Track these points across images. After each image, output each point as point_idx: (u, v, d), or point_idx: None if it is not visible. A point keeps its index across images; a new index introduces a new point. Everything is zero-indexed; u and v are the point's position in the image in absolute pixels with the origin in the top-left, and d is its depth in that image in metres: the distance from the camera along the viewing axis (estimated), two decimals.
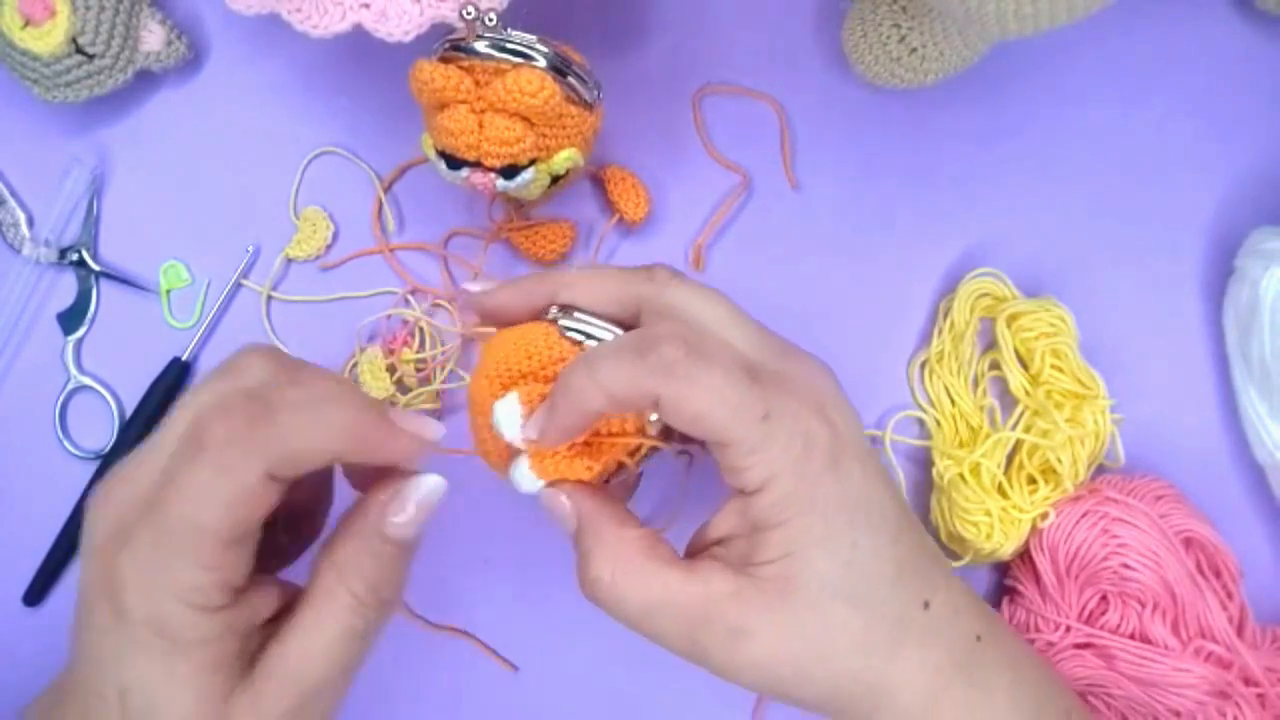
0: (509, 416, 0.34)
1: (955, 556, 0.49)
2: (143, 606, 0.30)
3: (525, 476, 0.34)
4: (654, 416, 0.34)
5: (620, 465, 0.36)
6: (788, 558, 0.32)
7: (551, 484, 0.34)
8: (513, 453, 0.35)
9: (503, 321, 0.37)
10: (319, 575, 0.33)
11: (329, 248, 0.52)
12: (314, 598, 0.32)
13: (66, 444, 0.51)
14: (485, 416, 0.35)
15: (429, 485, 0.34)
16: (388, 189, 0.52)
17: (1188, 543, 0.46)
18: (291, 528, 0.36)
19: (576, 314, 0.35)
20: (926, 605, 0.34)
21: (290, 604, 0.33)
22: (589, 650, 0.49)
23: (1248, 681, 0.44)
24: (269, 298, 0.51)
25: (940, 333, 0.50)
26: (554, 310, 0.36)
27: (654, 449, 0.36)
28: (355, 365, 0.50)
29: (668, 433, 0.36)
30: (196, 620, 0.30)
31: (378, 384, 0.49)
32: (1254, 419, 0.48)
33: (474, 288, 0.37)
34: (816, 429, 0.32)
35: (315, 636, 0.32)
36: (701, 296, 0.35)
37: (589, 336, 0.35)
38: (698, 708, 0.49)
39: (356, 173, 0.52)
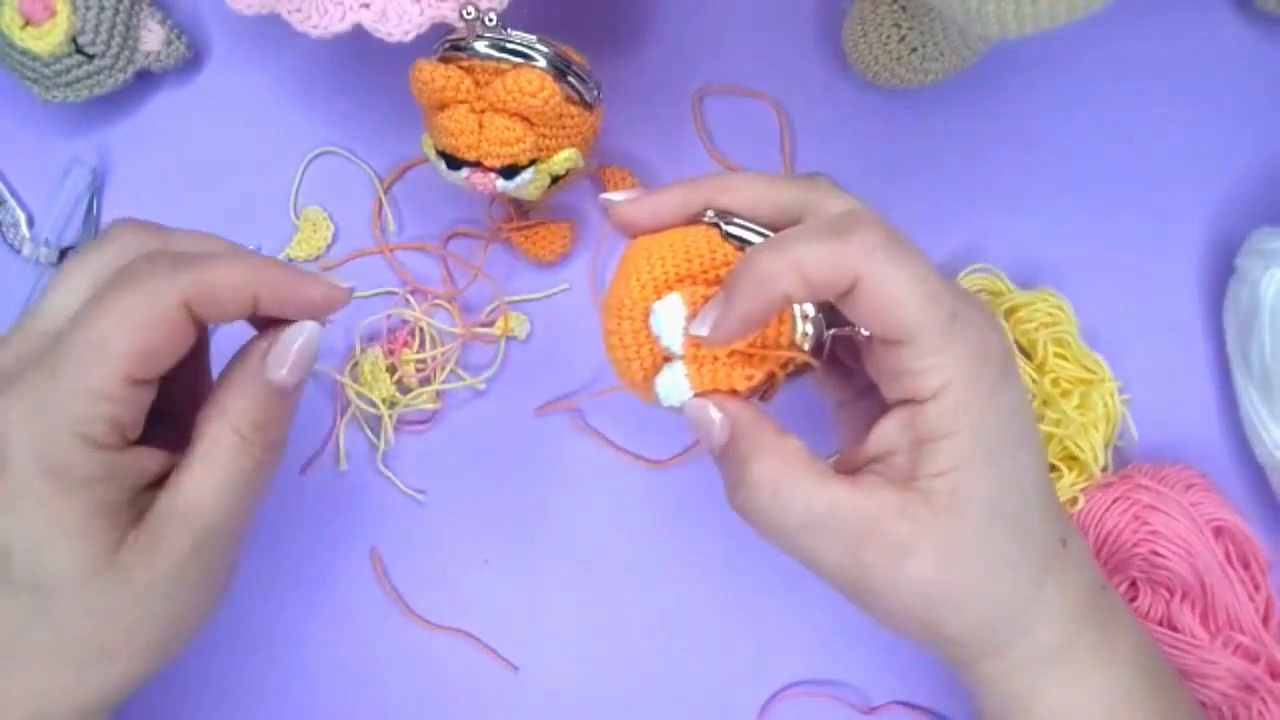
0: (673, 317, 0.32)
1: None
2: (30, 442, 0.29)
3: (677, 384, 0.32)
4: (808, 329, 0.33)
5: (766, 384, 0.34)
6: (956, 471, 0.31)
7: (699, 395, 0.33)
8: (661, 363, 0.33)
9: (651, 229, 0.34)
10: (204, 423, 0.32)
11: (329, 247, 0.52)
12: (200, 443, 0.32)
13: None
14: (634, 321, 0.33)
15: (308, 331, 0.33)
16: (387, 189, 0.52)
17: (1218, 532, 0.46)
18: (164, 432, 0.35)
19: (736, 220, 0.34)
20: (1064, 543, 0.33)
21: (173, 467, 0.33)
22: (589, 650, 0.49)
23: (1275, 675, 0.44)
24: None
25: None
26: (710, 214, 0.34)
27: (806, 365, 0.34)
28: (355, 365, 0.50)
29: (815, 353, 0.34)
30: (87, 456, 0.30)
31: (379, 384, 0.49)
32: (1254, 419, 0.48)
33: (616, 197, 0.34)
34: (994, 341, 0.32)
35: (205, 478, 0.32)
36: (862, 208, 0.34)
37: (754, 241, 0.33)
38: (698, 707, 0.49)
39: (356, 173, 0.52)
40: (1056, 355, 0.48)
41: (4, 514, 0.30)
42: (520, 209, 0.51)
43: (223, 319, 0.32)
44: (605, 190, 0.51)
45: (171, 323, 0.30)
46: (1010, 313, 0.49)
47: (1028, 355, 0.49)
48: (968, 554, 0.31)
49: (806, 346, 0.33)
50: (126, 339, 0.30)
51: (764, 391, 0.35)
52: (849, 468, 0.33)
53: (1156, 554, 0.45)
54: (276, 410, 0.33)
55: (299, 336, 0.33)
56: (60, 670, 0.31)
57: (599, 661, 0.49)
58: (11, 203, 0.52)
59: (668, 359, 0.33)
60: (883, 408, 0.33)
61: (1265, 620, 0.46)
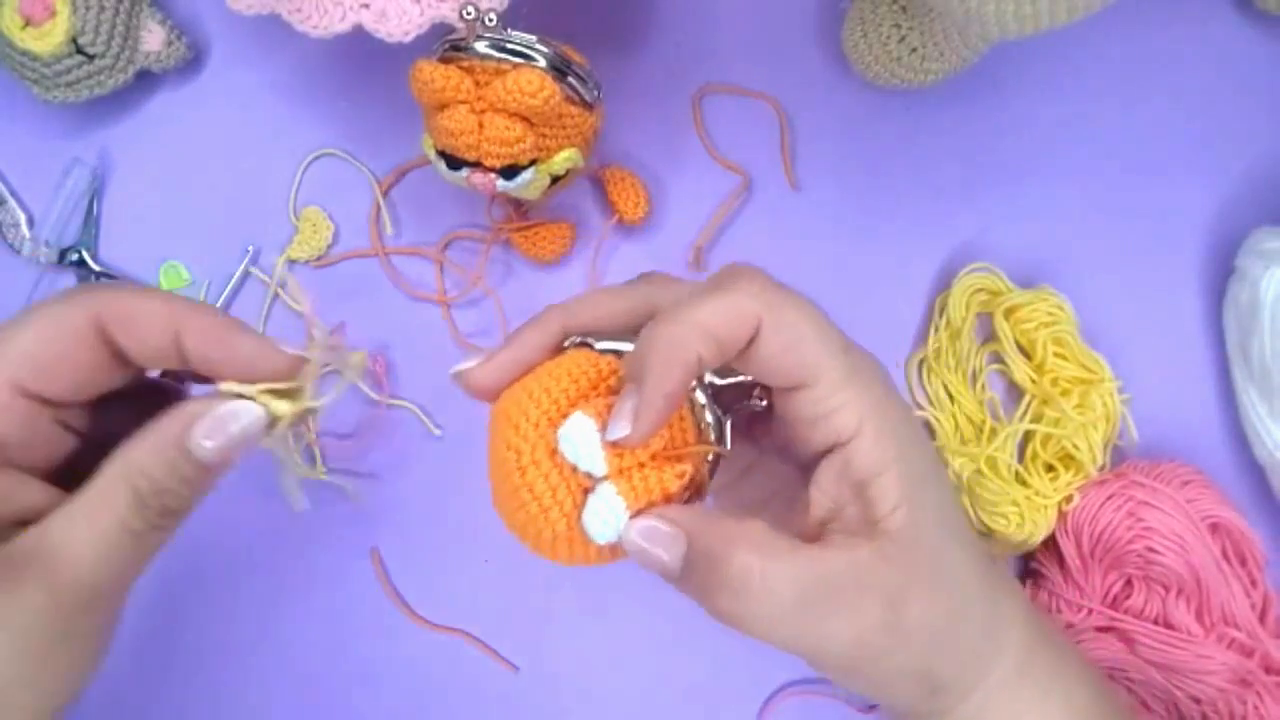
0: (585, 433, 0.29)
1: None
2: None
3: (610, 509, 0.29)
4: (708, 419, 0.31)
5: (692, 488, 0.31)
6: (906, 501, 0.29)
7: (636, 515, 0.29)
8: (583, 497, 0.29)
9: (512, 382, 0.32)
10: (103, 468, 0.29)
11: (330, 248, 0.52)
12: (89, 489, 0.29)
13: None
14: (539, 465, 0.29)
15: (249, 417, 0.30)
16: (386, 192, 0.52)
17: (1214, 528, 0.46)
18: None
19: (600, 340, 0.32)
20: (992, 557, 0.33)
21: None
22: (589, 650, 0.49)
23: (1269, 670, 0.44)
24: (275, 295, 0.51)
25: (936, 330, 0.50)
26: (573, 339, 0.32)
27: (719, 458, 0.32)
28: None
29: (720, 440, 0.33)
30: None
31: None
32: (1254, 419, 0.48)
33: (466, 365, 0.31)
34: (881, 367, 0.31)
35: (83, 527, 0.28)
36: (741, 264, 0.33)
37: (626, 349, 0.31)
38: (698, 707, 0.49)
39: (356, 173, 0.52)
40: (1056, 355, 0.49)
41: None
42: (520, 209, 0.51)
43: (143, 353, 0.30)
44: (605, 190, 0.51)
45: (76, 337, 0.28)
46: (1010, 312, 0.49)
47: (1027, 355, 0.49)
48: (944, 581, 0.30)
49: (712, 437, 0.31)
50: (22, 344, 0.28)
51: (693, 495, 0.32)
52: (807, 537, 0.31)
53: (1151, 550, 0.45)
54: (184, 484, 0.29)
55: (239, 419, 0.30)
56: None
57: (599, 661, 0.49)
58: (11, 203, 0.52)
59: (588, 490, 0.29)
60: (772, 476, 0.32)
61: (1262, 616, 0.46)
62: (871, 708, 0.49)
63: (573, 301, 0.32)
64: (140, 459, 0.29)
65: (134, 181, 0.52)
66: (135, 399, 0.32)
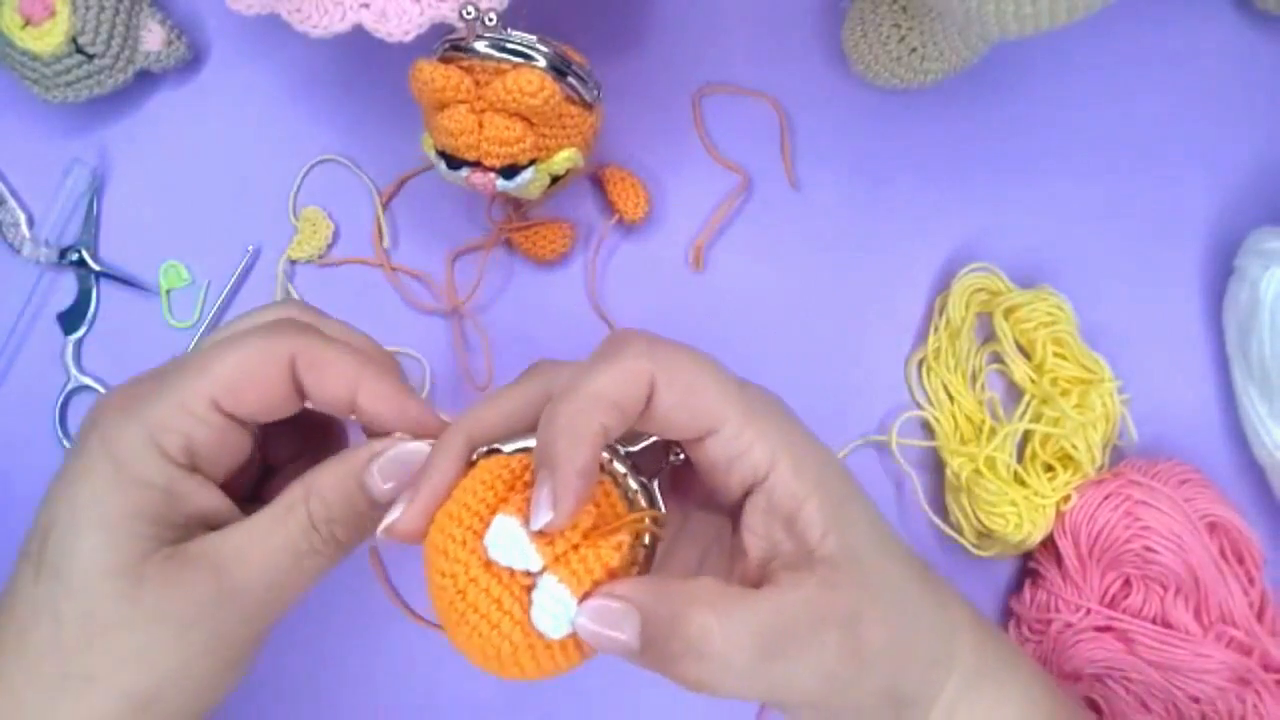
0: (510, 533, 0.28)
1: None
2: (107, 431, 0.30)
3: (557, 600, 0.28)
4: (634, 486, 0.31)
5: (634, 559, 0.31)
6: (836, 526, 0.30)
7: (585, 598, 0.28)
8: (528, 593, 0.29)
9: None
10: (288, 491, 0.32)
11: (330, 247, 0.52)
12: (272, 506, 0.31)
13: (66, 444, 0.51)
14: (478, 582, 0.29)
15: (418, 451, 0.32)
16: (387, 203, 0.52)
17: (1211, 527, 0.46)
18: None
19: (505, 443, 0.31)
20: (926, 565, 0.33)
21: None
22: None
23: (1268, 668, 0.44)
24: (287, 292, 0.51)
25: (936, 330, 0.50)
26: (479, 451, 0.31)
27: (654, 522, 0.31)
28: None
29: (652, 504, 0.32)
30: (148, 459, 0.30)
31: None
32: (1254, 419, 0.48)
33: (390, 519, 0.30)
34: (777, 398, 0.32)
35: (257, 538, 0.31)
36: (620, 330, 0.34)
37: (533, 446, 0.30)
38: (698, 707, 0.49)
39: (359, 169, 0.52)
40: (1056, 355, 0.49)
41: (62, 490, 0.30)
42: (520, 209, 0.51)
43: (322, 398, 0.32)
44: (605, 190, 0.51)
45: (272, 370, 0.31)
46: (1009, 312, 0.49)
47: (1027, 355, 0.49)
48: (891, 598, 0.30)
49: (643, 502, 0.31)
50: (226, 367, 0.31)
51: (642, 569, 0.31)
52: (748, 584, 0.31)
53: (1149, 550, 0.45)
54: (358, 514, 0.32)
55: (415, 459, 0.31)
56: (36, 680, 0.29)
57: (599, 662, 0.49)
58: (11, 203, 0.52)
59: (531, 588, 0.28)
60: (704, 530, 0.33)
61: (1260, 614, 0.46)
62: None
63: (470, 412, 0.32)
64: (321, 486, 0.31)
65: (134, 181, 0.52)
66: (299, 424, 0.35)
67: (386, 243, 0.51)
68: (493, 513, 0.29)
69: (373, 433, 0.33)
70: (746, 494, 0.31)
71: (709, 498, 0.33)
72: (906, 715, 0.31)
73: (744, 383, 0.31)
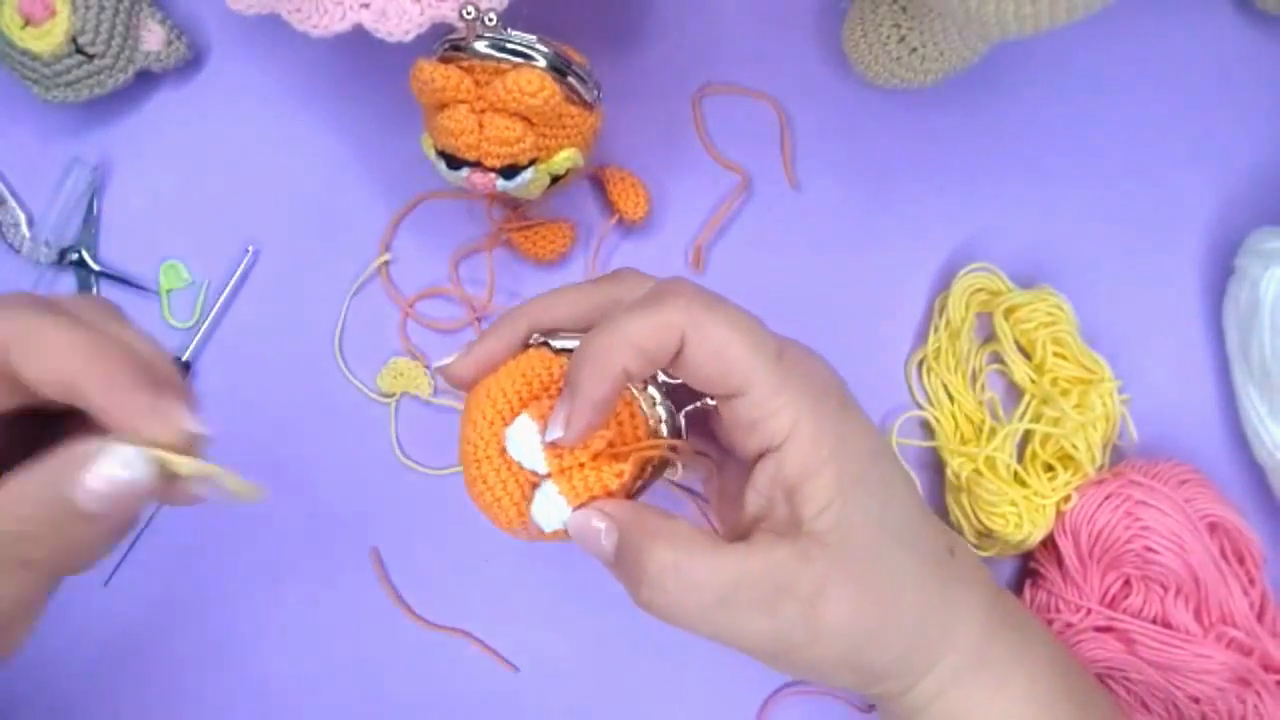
0: (527, 435, 0.32)
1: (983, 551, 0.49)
2: None
3: (553, 505, 0.32)
4: (661, 414, 0.33)
5: (639, 478, 0.34)
6: (835, 503, 0.30)
7: (579, 508, 0.32)
8: (532, 488, 0.32)
9: (485, 376, 0.34)
10: None
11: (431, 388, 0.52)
12: None
13: None
14: (492, 460, 0.33)
15: (140, 466, 0.27)
16: (398, 222, 0.52)
17: (1212, 528, 0.46)
18: None
19: (560, 333, 0.34)
20: (952, 551, 0.34)
21: None
22: (589, 650, 0.49)
23: (1268, 668, 0.44)
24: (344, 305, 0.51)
25: (936, 330, 0.50)
26: (536, 338, 0.34)
27: (671, 450, 0.34)
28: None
29: (673, 435, 0.35)
30: None
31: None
32: (1254, 419, 0.48)
33: (445, 361, 0.34)
34: (824, 370, 0.32)
35: None
36: (678, 278, 0.34)
37: None
38: (698, 707, 0.49)
39: (358, 170, 0.52)
40: (1056, 355, 0.48)
41: None
42: (520, 209, 0.51)
43: (39, 382, 0.28)
44: (605, 190, 0.51)
45: None
46: (1010, 312, 0.49)
47: (1027, 355, 0.49)
48: (874, 580, 0.31)
49: (664, 431, 0.33)
50: None
51: (638, 488, 0.34)
52: (736, 535, 0.33)
53: (1149, 550, 0.45)
54: (63, 533, 0.27)
55: (128, 468, 0.27)
56: None
57: (599, 661, 0.49)
58: (11, 203, 0.52)
59: (535, 484, 0.32)
60: (748, 472, 0.33)
61: (1260, 614, 0.46)
62: (871, 708, 0.49)
63: (539, 299, 0.34)
64: (11, 497, 0.27)
65: (134, 181, 0.52)
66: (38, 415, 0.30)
67: (387, 257, 0.51)
68: (523, 405, 0.33)
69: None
70: (761, 455, 0.32)
71: (732, 445, 0.34)
72: (883, 686, 0.33)
73: (785, 347, 0.32)
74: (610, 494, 0.32)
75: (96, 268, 0.51)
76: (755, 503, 0.32)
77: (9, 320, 0.27)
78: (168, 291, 0.52)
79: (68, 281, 0.52)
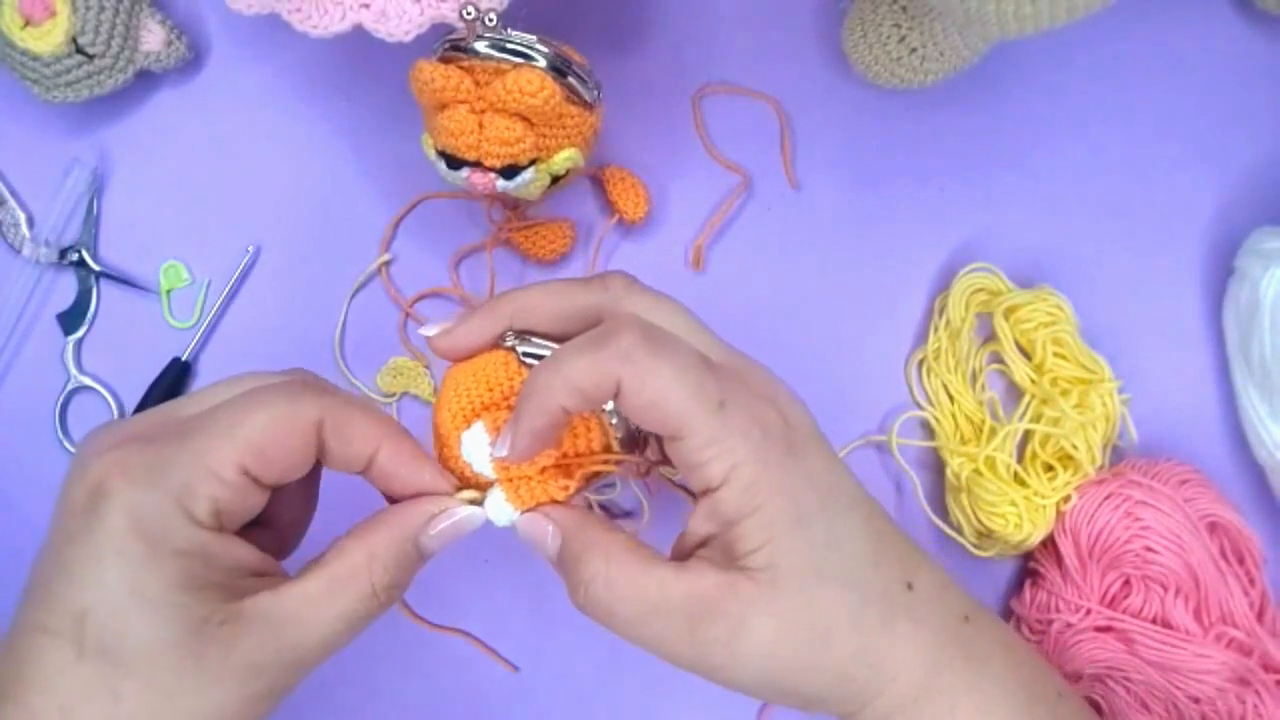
0: (478, 446, 0.34)
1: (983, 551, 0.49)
2: (130, 502, 0.29)
3: (501, 508, 0.34)
4: (616, 430, 0.35)
5: (585, 488, 0.36)
6: (769, 544, 0.32)
7: (527, 511, 0.34)
8: (485, 487, 0.35)
9: (464, 356, 0.36)
10: (347, 553, 0.32)
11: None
12: (335, 571, 0.32)
13: (66, 444, 0.51)
14: (452, 449, 0.35)
15: (477, 521, 0.34)
16: (398, 223, 0.52)
17: (1212, 527, 0.46)
18: (269, 540, 0.35)
19: (534, 339, 0.35)
20: (910, 586, 0.34)
21: (268, 575, 0.32)
22: (589, 650, 0.49)
23: (1268, 668, 0.44)
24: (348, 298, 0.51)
25: (936, 330, 0.50)
26: (510, 337, 0.35)
27: (619, 463, 0.36)
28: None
29: (631, 450, 0.36)
30: (182, 527, 0.29)
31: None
32: (1254, 419, 0.48)
33: (430, 331, 0.36)
34: (772, 417, 0.33)
35: (321, 605, 0.31)
36: (657, 303, 0.35)
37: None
38: (699, 708, 0.49)
39: (359, 169, 0.52)
40: (1056, 355, 0.48)
41: (88, 573, 0.29)
42: (519, 209, 0.51)
43: (343, 458, 0.33)
44: (605, 190, 0.51)
45: (301, 434, 0.31)
46: (1010, 312, 0.49)
47: (1027, 355, 0.49)
48: (801, 618, 0.32)
49: (616, 446, 0.35)
50: (255, 430, 0.31)
51: (592, 490, 0.37)
52: (681, 554, 0.34)
53: (1149, 550, 0.45)
54: (408, 575, 0.33)
55: (471, 524, 0.34)
56: None
57: (599, 661, 0.49)
58: (11, 203, 0.52)
59: (489, 484, 0.34)
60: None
61: (1260, 614, 0.46)
62: None
63: (524, 292, 0.36)
64: (382, 550, 0.32)
65: (134, 181, 0.52)
66: None
67: (387, 257, 0.51)
68: (484, 409, 0.35)
69: (386, 491, 0.35)
70: (703, 492, 0.33)
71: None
72: (818, 708, 0.34)
73: (726, 396, 0.32)
74: (556, 504, 0.34)
75: (96, 268, 0.51)
76: (696, 529, 0.33)
77: (327, 406, 0.32)
78: (168, 291, 0.52)
79: (68, 281, 0.52)
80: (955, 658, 0.33)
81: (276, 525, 0.35)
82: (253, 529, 0.33)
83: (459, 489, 0.34)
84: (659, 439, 0.35)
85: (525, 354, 0.35)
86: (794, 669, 0.32)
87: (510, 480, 0.34)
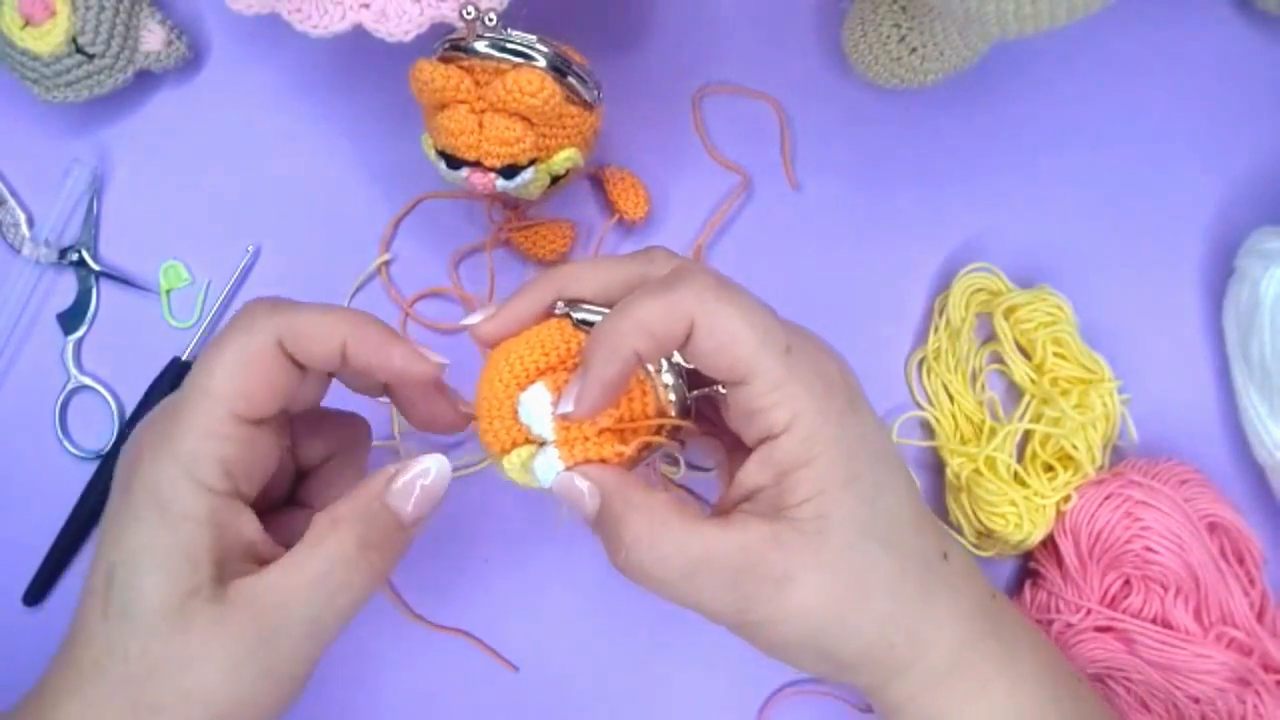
0: (538, 405, 0.33)
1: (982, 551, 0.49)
2: (148, 473, 0.31)
3: (551, 467, 0.34)
4: (670, 397, 0.34)
5: (639, 456, 0.35)
6: (820, 496, 0.31)
7: (569, 469, 0.34)
8: (535, 448, 0.34)
9: (511, 336, 0.36)
10: (314, 523, 0.33)
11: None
12: (304, 541, 0.32)
13: (66, 444, 0.51)
14: (504, 419, 0.34)
15: (435, 469, 0.34)
16: (398, 223, 0.52)
17: (1212, 528, 0.46)
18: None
19: (584, 305, 0.35)
20: (946, 556, 0.34)
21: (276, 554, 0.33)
22: (589, 650, 0.49)
23: (1268, 668, 0.44)
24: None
25: (936, 330, 0.50)
26: (561, 306, 0.35)
27: (675, 431, 0.35)
28: None
29: (682, 415, 0.36)
30: (189, 493, 0.31)
31: None
32: (1254, 419, 0.48)
33: (472, 320, 0.36)
34: (834, 368, 0.33)
35: (294, 574, 0.32)
36: (695, 263, 0.35)
37: None
38: (699, 708, 0.49)
39: (359, 169, 0.52)
40: (1056, 354, 0.48)
41: (118, 536, 0.32)
42: (519, 209, 0.51)
43: (315, 361, 0.33)
44: (605, 190, 0.51)
45: (267, 359, 0.32)
46: (1010, 312, 0.49)
47: (1027, 355, 0.49)
48: (846, 574, 0.32)
49: (672, 412, 0.35)
50: (225, 380, 0.32)
51: (636, 460, 0.36)
52: (725, 508, 0.34)
53: (1149, 550, 0.45)
54: (389, 537, 0.33)
55: (427, 474, 0.34)
56: (115, 708, 0.31)
57: (599, 661, 0.49)
58: (11, 203, 0.52)
59: (540, 445, 0.34)
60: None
61: (1260, 615, 0.46)
62: (870, 708, 0.49)
63: (569, 268, 0.35)
64: (344, 514, 0.33)
65: (134, 181, 0.52)
66: (323, 426, 0.38)
67: (387, 256, 0.51)
68: (540, 374, 0.34)
69: (403, 408, 0.36)
70: (761, 441, 0.33)
71: (738, 430, 0.35)
72: (854, 677, 0.34)
73: (797, 340, 0.32)
74: (602, 463, 0.34)
75: (96, 268, 0.51)
76: (743, 484, 0.33)
77: (278, 322, 0.32)
78: (168, 291, 0.52)
79: (68, 281, 0.52)
80: (986, 634, 0.34)
81: (320, 506, 0.35)
82: (295, 510, 0.34)
83: (504, 447, 0.34)
84: (710, 405, 0.35)
85: (579, 320, 0.35)
86: (834, 628, 0.32)
87: (567, 442, 0.34)
